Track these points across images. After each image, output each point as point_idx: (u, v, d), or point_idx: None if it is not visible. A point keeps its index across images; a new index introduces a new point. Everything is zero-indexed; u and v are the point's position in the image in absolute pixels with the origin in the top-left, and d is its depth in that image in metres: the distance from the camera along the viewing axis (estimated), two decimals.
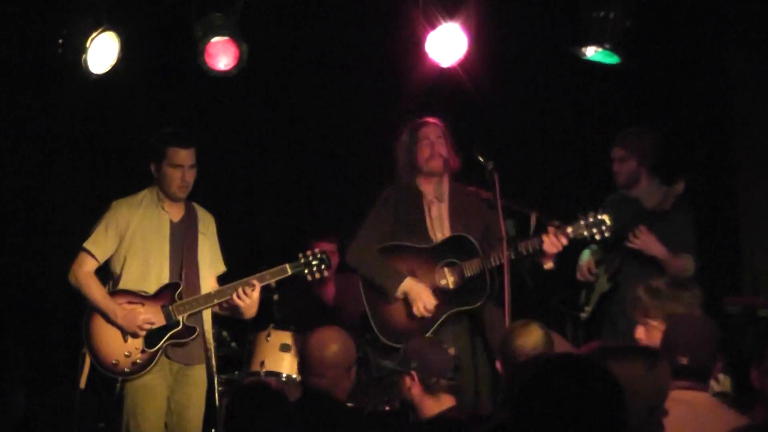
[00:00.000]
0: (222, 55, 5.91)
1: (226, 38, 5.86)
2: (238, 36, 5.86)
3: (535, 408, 2.47)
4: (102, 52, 5.78)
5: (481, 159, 5.38)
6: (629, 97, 6.91)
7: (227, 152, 7.46)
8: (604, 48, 5.87)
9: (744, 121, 6.99)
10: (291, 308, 6.53)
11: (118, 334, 5.33)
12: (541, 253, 5.44)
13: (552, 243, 5.40)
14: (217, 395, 5.56)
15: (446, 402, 4.35)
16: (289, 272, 5.50)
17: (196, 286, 5.45)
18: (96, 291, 5.35)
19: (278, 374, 6.20)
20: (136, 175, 5.64)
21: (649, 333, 4.30)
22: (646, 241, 5.79)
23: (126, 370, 5.30)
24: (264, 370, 6.20)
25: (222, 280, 5.56)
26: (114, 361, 5.31)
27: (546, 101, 7.09)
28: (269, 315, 6.22)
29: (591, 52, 5.94)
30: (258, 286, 5.40)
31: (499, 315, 5.21)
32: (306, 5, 6.84)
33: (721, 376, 4.38)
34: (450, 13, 5.81)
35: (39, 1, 6.17)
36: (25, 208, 7.04)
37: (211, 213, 5.67)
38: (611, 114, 6.88)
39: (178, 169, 5.42)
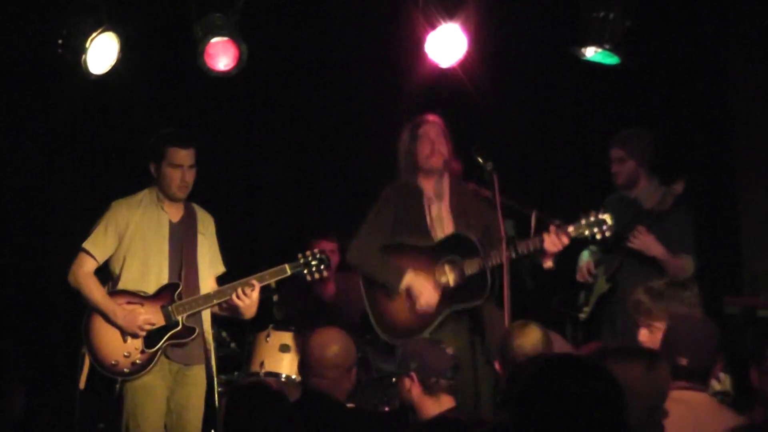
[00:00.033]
0: (222, 55, 5.91)
1: (225, 38, 5.86)
2: (237, 36, 5.86)
3: (535, 408, 2.47)
4: (102, 52, 5.78)
5: (480, 160, 5.38)
6: (629, 98, 6.91)
7: (227, 153, 7.47)
8: (604, 48, 5.87)
9: (744, 122, 6.99)
10: (291, 308, 6.53)
11: (117, 334, 5.32)
12: (541, 252, 5.43)
13: (553, 242, 5.39)
14: (216, 396, 5.56)
15: (446, 403, 4.35)
16: (289, 272, 5.50)
17: (196, 287, 5.45)
18: (96, 291, 5.35)
19: (278, 375, 6.21)
20: (136, 176, 5.64)
21: (653, 335, 4.30)
22: (645, 242, 5.79)
23: (125, 370, 5.30)
24: (263, 370, 6.21)
25: (221, 280, 5.56)
26: (113, 362, 5.30)
27: (546, 102, 7.09)
28: (269, 316, 6.23)
29: (591, 53, 5.94)
30: (257, 286, 5.40)
31: (499, 315, 5.21)
32: (306, 6, 6.85)
33: (722, 375, 4.38)
34: (450, 14, 5.81)
35: (39, 1, 6.17)
36: (25, 208, 7.05)
37: (210, 213, 5.67)
38: (611, 114, 6.88)
39: (178, 169, 5.42)
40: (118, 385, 5.32)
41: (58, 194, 7.06)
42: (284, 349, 6.26)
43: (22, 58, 6.53)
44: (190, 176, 5.45)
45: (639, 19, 5.91)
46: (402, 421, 4.74)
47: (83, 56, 5.70)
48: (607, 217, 5.43)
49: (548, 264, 5.49)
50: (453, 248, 5.54)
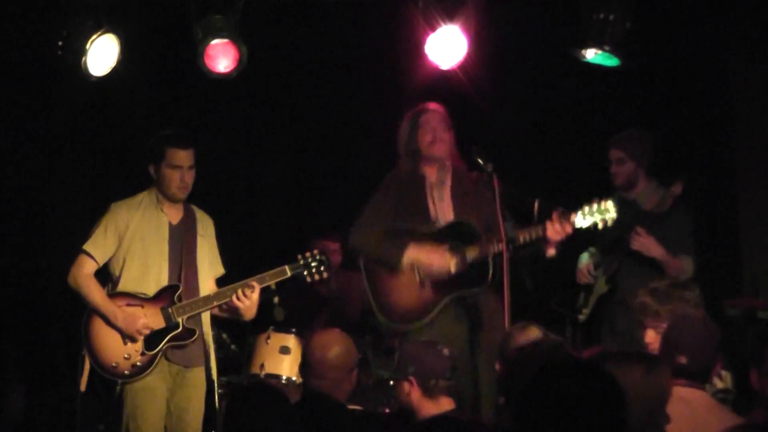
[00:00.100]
0: (222, 57, 5.92)
1: (225, 40, 5.87)
2: (237, 38, 5.86)
3: (535, 409, 2.47)
4: (102, 54, 5.78)
5: (480, 161, 5.38)
6: (629, 99, 6.92)
7: (227, 154, 7.47)
8: (604, 50, 5.87)
9: (744, 122, 6.99)
10: (292, 310, 6.53)
11: (117, 336, 5.32)
12: (544, 240, 5.42)
13: (556, 230, 5.36)
14: (217, 397, 5.56)
15: (445, 405, 4.35)
16: (289, 274, 5.49)
17: (195, 289, 5.45)
18: (96, 293, 5.35)
19: (278, 377, 6.21)
20: (136, 177, 5.65)
21: (660, 336, 4.29)
22: (645, 243, 5.80)
23: (126, 372, 5.30)
24: (264, 372, 6.21)
25: (221, 282, 5.56)
26: (114, 364, 5.30)
27: (546, 103, 7.09)
28: (269, 317, 6.23)
29: (591, 55, 5.94)
30: (257, 287, 5.40)
31: (499, 317, 5.20)
32: (306, 8, 6.84)
33: (723, 373, 4.39)
34: (450, 15, 5.81)
35: (39, 2, 6.17)
36: (26, 209, 7.05)
37: (210, 214, 5.67)
38: (611, 115, 6.88)
39: (177, 170, 5.42)
40: (118, 387, 5.32)
41: (59, 195, 7.07)
42: (284, 350, 6.27)
43: (23, 59, 6.54)
44: (190, 177, 5.45)
45: (639, 21, 5.92)
46: (402, 422, 4.74)
47: (83, 58, 5.71)
48: (610, 205, 5.41)
49: (551, 252, 5.47)
50: (455, 234, 5.51)
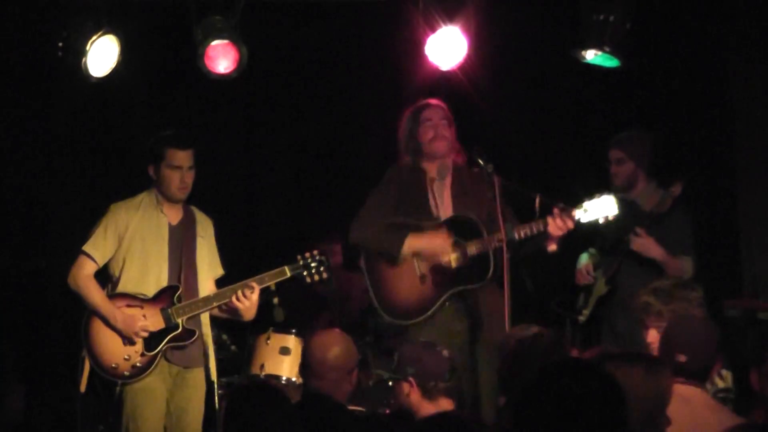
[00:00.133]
0: (222, 58, 5.92)
1: (226, 41, 5.87)
2: (237, 39, 5.86)
3: (536, 409, 2.48)
4: (102, 55, 5.78)
5: (481, 162, 5.38)
6: (629, 99, 6.92)
7: (227, 154, 7.47)
8: (604, 51, 5.87)
9: (744, 122, 6.98)
10: (292, 311, 6.53)
11: (117, 337, 5.33)
12: (545, 235, 5.41)
13: (558, 226, 5.36)
14: (216, 398, 5.56)
15: (444, 406, 4.36)
16: (288, 274, 5.49)
17: (195, 289, 5.45)
18: (96, 294, 5.35)
19: (278, 377, 6.21)
20: (136, 178, 5.65)
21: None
22: (644, 244, 5.80)
23: (126, 373, 5.30)
24: (264, 373, 6.21)
25: (220, 282, 5.56)
26: (114, 365, 5.31)
27: (546, 104, 7.09)
28: (269, 318, 6.23)
29: (591, 56, 5.95)
30: (257, 288, 5.40)
31: (500, 315, 5.20)
32: (306, 8, 6.84)
33: (724, 372, 4.38)
34: (450, 16, 5.82)
35: (39, 3, 6.17)
36: (25, 209, 7.05)
37: (210, 215, 5.67)
38: (611, 116, 6.88)
39: (177, 171, 5.42)
40: (118, 388, 5.33)
41: (59, 195, 7.07)
42: (284, 351, 6.26)
43: (23, 59, 6.54)
44: (190, 177, 5.46)
45: (639, 22, 5.92)
46: (403, 423, 4.74)
47: (83, 59, 5.70)
48: (611, 200, 5.41)
49: (552, 247, 5.47)
50: (456, 229, 5.51)
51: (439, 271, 5.50)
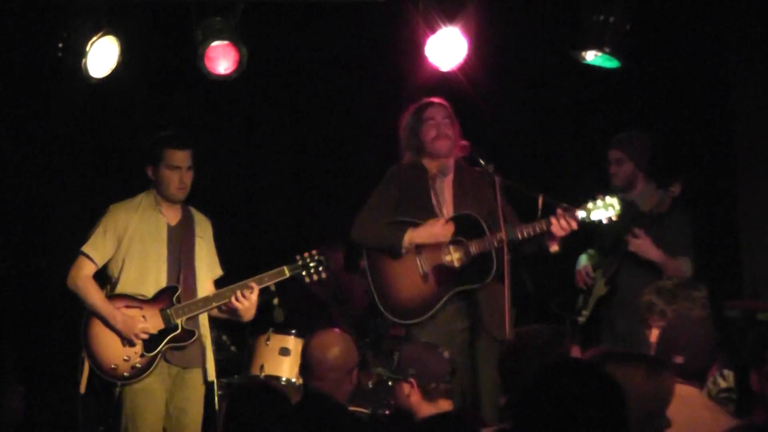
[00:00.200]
0: (222, 59, 5.92)
1: (226, 42, 5.87)
2: (237, 40, 5.86)
3: (536, 409, 2.48)
4: (102, 56, 5.78)
5: (482, 161, 5.38)
6: (629, 99, 6.92)
7: (227, 155, 7.47)
8: (604, 52, 5.87)
9: (744, 122, 6.99)
10: (292, 311, 6.54)
11: (117, 338, 5.32)
12: (548, 235, 5.41)
13: (561, 226, 5.34)
14: (216, 399, 5.57)
15: (444, 407, 4.36)
16: (287, 274, 5.49)
17: (194, 290, 5.45)
18: (95, 295, 5.35)
19: (278, 378, 6.21)
20: (136, 178, 5.65)
21: None
22: (641, 245, 5.80)
23: (125, 374, 5.30)
24: (264, 373, 6.21)
25: (219, 283, 5.56)
26: (113, 366, 5.31)
27: (546, 104, 7.10)
28: (269, 319, 6.24)
29: (591, 57, 5.95)
30: (256, 288, 5.40)
31: (500, 316, 5.20)
32: (306, 9, 6.84)
33: (726, 372, 4.38)
34: (450, 17, 5.82)
35: (39, 4, 6.17)
36: (25, 210, 7.06)
37: (209, 215, 5.68)
38: (611, 116, 6.88)
39: (176, 171, 5.42)
40: (117, 389, 5.33)
41: (59, 196, 7.07)
42: (284, 352, 6.26)
43: (23, 60, 6.54)
44: (188, 178, 5.46)
45: (639, 22, 5.92)
46: (403, 423, 4.75)
47: (83, 60, 5.70)
48: (614, 201, 5.41)
49: (554, 248, 5.46)
50: (459, 228, 5.51)
51: (441, 270, 5.50)
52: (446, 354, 4.49)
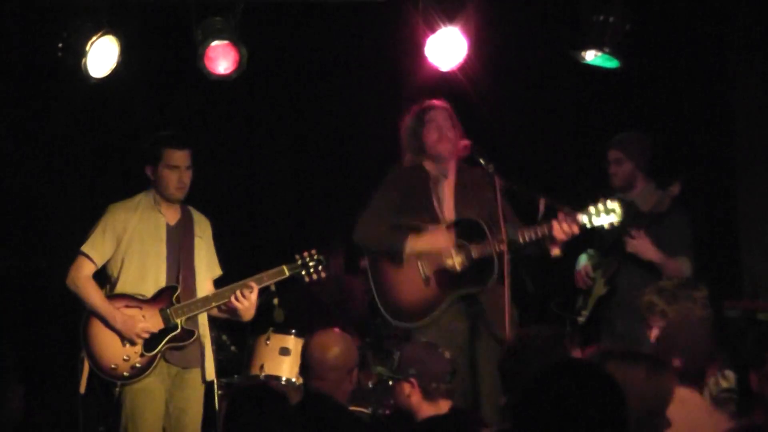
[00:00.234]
0: (222, 59, 5.92)
1: (225, 42, 5.87)
2: (237, 40, 5.87)
3: (536, 409, 2.48)
4: (102, 55, 5.78)
5: (482, 161, 5.38)
6: (629, 99, 6.92)
7: (227, 155, 7.47)
8: (604, 52, 5.87)
9: (744, 122, 6.98)
10: (292, 311, 6.53)
11: (116, 338, 5.33)
12: (549, 239, 5.41)
13: (563, 230, 5.33)
14: (216, 399, 5.57)
15: (444, 407, 4.36)
16: (287, 274, 5.50)
17: (193, 290, 5.46)
18: (94, 295, 5.36)
19: (278, 378, 6.21)
20: (136, 178, 5.65)
21: None
22: (641, 245, 5.80)
23: (125, 374, 5.30)
24: (264, 373, 6.20)
25: (219, 283, 5.56)
26: (113, 366, 5.31)
27: (546, 105, 7.09)
28: (269, 319, 6.23)
29: (590, 57, 5.95)
30: (256, 288, 5.41)
31: (500, 316, 5.20)
32: (306, 10, 6.84)
33: (727, 372, 4.38)
34: (450, 17, 5.82)
35: (39, 4, 6.17)
36: (25, 210, 7.06)
37: (209, 215, 5.68)
38: (611, 116, 6.88)
39: (175, 171, 5.42)
40: (117, 389, 5.33)
41: (59, 196, 7.07)
42: (284, 352, 6.26)
43: (23, 60, 6.54)
44: (187, 177, 5.46)
45: (639, 22, 5.92)
46: (403, 423, 4.75)
47: (83, 59, 5.70)
48: (616, 205, 5.41)
49: (555, 252, 5.45)
50: (461, 231, 5.51)
51: (443, 273, 5.50)
52: (446, 354, 4.49)
